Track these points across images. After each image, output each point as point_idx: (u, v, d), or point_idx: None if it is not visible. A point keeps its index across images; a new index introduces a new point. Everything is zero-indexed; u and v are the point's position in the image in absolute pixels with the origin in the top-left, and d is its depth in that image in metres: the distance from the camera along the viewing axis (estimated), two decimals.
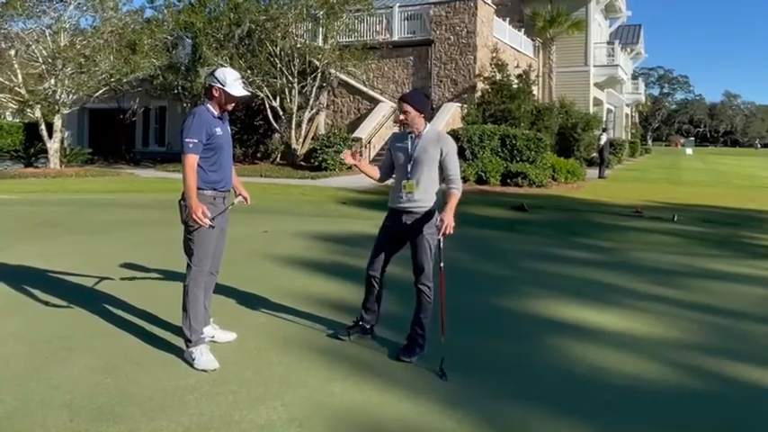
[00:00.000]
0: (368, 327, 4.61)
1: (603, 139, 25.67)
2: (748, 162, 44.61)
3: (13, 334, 4.59)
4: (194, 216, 3.93)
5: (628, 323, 5.23)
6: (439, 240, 4.14)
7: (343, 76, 23.96)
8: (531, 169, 18.17)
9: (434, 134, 4.38)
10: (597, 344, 4.71)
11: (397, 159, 4.46)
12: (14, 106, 21.91)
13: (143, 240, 8.57)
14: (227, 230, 4.47)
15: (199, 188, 4.04)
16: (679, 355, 4.52)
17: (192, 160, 4.01)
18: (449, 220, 4.04)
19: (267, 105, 22.56)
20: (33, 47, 19.98)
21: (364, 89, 24.41)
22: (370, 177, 4.66)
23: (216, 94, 4.15)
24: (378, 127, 22.65)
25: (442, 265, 4.18)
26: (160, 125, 29.29)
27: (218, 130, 4.16)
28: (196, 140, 4.02)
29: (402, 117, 4.38)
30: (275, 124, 23.07)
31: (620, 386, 3.93)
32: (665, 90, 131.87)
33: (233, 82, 4.13)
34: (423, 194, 4.30)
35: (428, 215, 4.29)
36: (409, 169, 4.33)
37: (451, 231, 4.06)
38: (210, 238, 4.17)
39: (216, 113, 4.19)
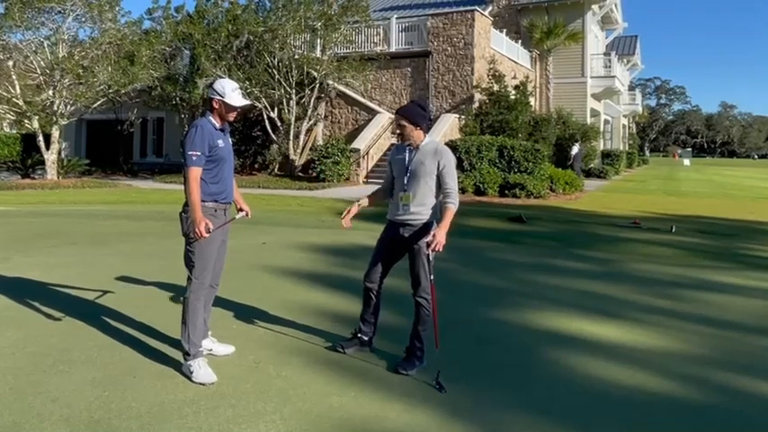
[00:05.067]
0: (366, 339, 4.60)
1: (575, 150, 25.80)
2: (746, 173, 44.74)
3: (12, 347, 4.57)
4: (198, 229, 3.92)
5: (627, 335, 5.22)
6: (428, 255, 4.15)
7: (341, 87, 24.06)
8: (529, 180, 18.20)
9: (433, 146, 4.37)
10: (597, 356, 4.70)
11: (395, 171, 4.47)
12: (12, 117, 21.95)
13: (142, 252, 8.55)
14: (227, 243, 4.46)
15: (200, 200, 4.04)
16: (679, 367, 4.51)
17: (195, 173, 4.02)
18: (440, 237, 4.05)
19: (265, 116, 22.63)
20: (31, 58, 20.04)
21: (362, 100, 24.48)
22: (380, 203, 4.68)
23: (216, 105, 4.17)
24: (376, 138, 22.70)
25: (431, 277, 4.19)
26: (158, 136, 29.33)
27: (220, 142, 4.17)
28: (199, 153, 4.03)
29: (398, 131, 4.41)
30: (273, 135, 23.12)
31: (621, 398, 3.92)
32: (663, 101, 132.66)
33: (231, 92, 4.15)
34: (419, 207, 4.30)
35: (425, 228, 4.29)
36: (405, 182, 4.33)
37: (441, 249, 4.07)
38: (211, 251, 4.16)
39: (217, 125, 4.20)
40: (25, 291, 6.14)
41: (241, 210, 4.50)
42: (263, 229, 10.55)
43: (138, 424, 3.41)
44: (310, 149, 23.44)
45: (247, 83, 21.29)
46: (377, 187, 4.82)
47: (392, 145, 5.09)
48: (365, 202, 4.64)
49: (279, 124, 22.91)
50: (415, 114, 4.35)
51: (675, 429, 3.56)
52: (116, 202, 15.60)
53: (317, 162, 21.08)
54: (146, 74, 21.63)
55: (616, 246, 10.15)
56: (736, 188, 26.78)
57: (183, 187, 4.11)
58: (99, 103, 21.73)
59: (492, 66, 24.14)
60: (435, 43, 25.05)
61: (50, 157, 20.52)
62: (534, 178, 18.52)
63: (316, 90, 22.58)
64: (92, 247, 8.90)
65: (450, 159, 4.31)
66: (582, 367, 4.45)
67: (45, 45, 20.17)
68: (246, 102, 4.26)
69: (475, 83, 24.19)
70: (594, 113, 34.82)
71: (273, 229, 10.84)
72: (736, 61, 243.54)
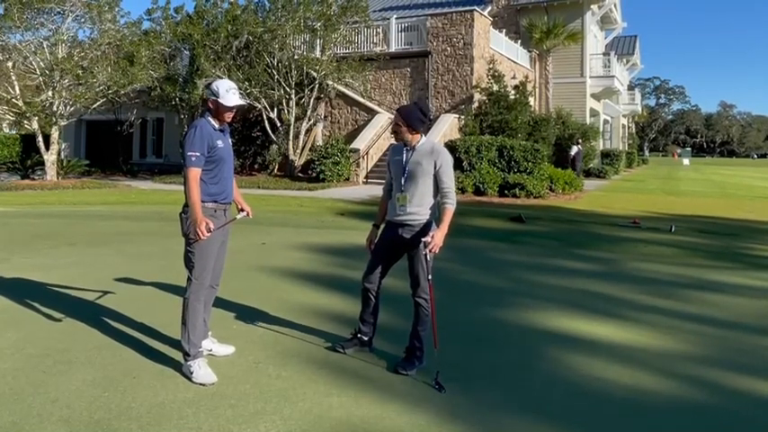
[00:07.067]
0: (366, 339, 4.60)
1: (574, 150, 25.97)
2: (745, 172, 44.75)
3: (12, 347, 4.57)
4: (198, 229, 3.91)
5: (627, 335, 5.22)
6: (426, 255, 4.15)
7: (341, 88, 24.06)
8: (528, 180, 18.21)
9: (429, 146, 4.36)
10: (597, 356, 4.70)
11: (393, 172, 4.47)
12: (11, 118, 21.95)
13: (142, 252, 8.55)
14: (227, 243, 4.46)
15: (200, 200, 4.04)
16: (679, 366, 4.51)
17: (194, 173, 4.01)
18: (437, 239, 4.06)
19: (265, 116, 22.65)
20: (31, 59, 20.03)
21: (362, 100, 24.49)
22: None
23: (212, 105, 4.18)
24: (375, 138, 22.71)
25: (430, 277, 4.20)
26: (157, 137, 29.34)
27: (220, 143, 4.17)
28: (198, 154, 4.03)
29: (395, 130, 4.42)
30: (273, 135, 23.13)
31: (620, 398, 3.92)
32: (662, 100, 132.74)
33: (225, 92, 4.14)
34: (417, 207, 4.29)
35: (424, 228, 4.29)
36: (403, 182, 4.33)
37: (437, 251, 4.08)
38: (211, 251, 4.16)
39: (217, 126, 4.20)
40: (25, 291, 6.14)
41: (242, 210, 4.50)
42: (263, 229, 10.55)
43: (138, 424, 3.42)
44: (310, 150, 23.45)
45: (247, 83, 21.30)
46: (381, 193, 4.81)
47: (391, 145, 5.08)
48: (380, 219, 4.68)
49: (278, 125, 22.91)
50: (414, 119, 4.33)
51: (675, 429, 3.56)
52: (116, 202, 15.60)
53: (317, 162, 21.08)
54: (145, 74, 21.63)
55: (616, 245, 10.15)
56: (736, 188, 26.78)
57: (182, 188, 4.11)
58: (98, 103, 21.74)
59: (491, 66, 24.16)
60: (435, 43, 25.06)
61: (50, 157, 20.53)
62: (534, 178, 18.52)
63: (315, 90, 22.59)
64: (91, 247, 8.90)
65: (446, 159, 4.31)
66: (581, 367, 4.45)
67: (44, 46, 20.18)
68: (241, 102, 4.23)
69: (474, 83, 24.20)
70: (594, 113, 34.84)
71: (273, 229, 10.84)
72: (735, 61, 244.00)
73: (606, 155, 34.12)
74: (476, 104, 23.97)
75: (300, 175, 22.77)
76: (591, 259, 8.87)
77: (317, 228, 11.41)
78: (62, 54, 20.14)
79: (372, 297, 4.51)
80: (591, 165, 30.15)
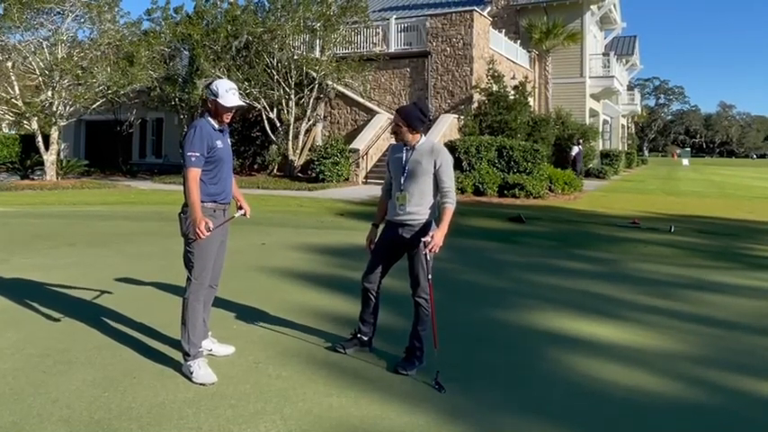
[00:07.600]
0: (366, 339, 4.60)
1: (575, 151, 26.00)
2: (744, 172, 44.77)
3: (12, 348, 4.57)
4: (198, 229, 3.91)
5: (627, 335, 5.22)
6: (425, 255, 4.15)
7: (341, 88, 24.06)
8: (528, 180, 18.21)
9: (429, 146, 4.37)
10: (596, 356, 4.70)
11: (393, 171, 4.48)
12: (11, 118, 21.95)
13: (141, 252, 8.55)
14: (226, 243, 4.46)
15: (200, 200, 4.04)
16: (679, 367, 4.52)
17: (194, 174, 4.02)
18: (437, 239, 4.07)
19: (264, 117, 22.64)
20: (30, 59, 20.03)
21: (361, 100, 24.49)
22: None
23: (211, 106, 4.18)
24: (375, 138, 22.70)
25: (430, 277, 4.20)
26: (157, 137, 29.34)
27: (219, 143, 4.17)
28: (198, 154, 4.03)
29: (394, 131, 4.44)
30: (272, 136, 23.13)
31: (620, 398, 3.93)
32: (661, 101, 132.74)
33: (225, 92, 4.13)
34: (416, 207, 4.29)
35: (424, 228, 4.29)
36: (402, 181, 4.33)
37: (437, 251, 4.08)
38: (210, 251, 4.16)
39: (216, 126, 4.20)
40: (25, 292, 6.14)
41: (240, 208, 4.49)
42: (263, 229, 10.55)
43: (139, 424, 3.42)
44: (309, 150, 23.44)
45: (246, 83, 21.30)
46: (380, 193, 4.81)
47: (391, 145, 5.09)
48: (379, 219, 4.69)
49: (278, 125, 22.91)
50: (414, 119, 4.33)
51: (675, 429, 3.56)
52: (115, 202, 15.60)
53: (317, 162, 21.07)
54: (145, 74, 21.62)
55: (615, 246, 10.15)
56: (735, 188, 26.78)
57: (182, 188, 4.11)
58: (98, 103, 21.73)
59: (491, 66, 24.14)
60: (434, 43, 25.07)
61: (49, 158, 20.52)
62: (533, 178, 18.52)
63: (315, 90, 22.59)
64: (91, 247, 8.90)
65: (446, 158, 4.31)
66: (581, 367, 4.45)
67: (44, 46, 20.17)
68: (239, 102, 4.22)
69: (474, 83, 24.19)
70: (593, 113, 34.85)
71: (273, 229, 10.84)
72: (734, 61, 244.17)
73: (606, 155, 34.09)
74: (475, 105, 23.97)
75: (300, 175, 22.77)
76: (590, 259, 8.87)
77: (317, 228, 11.41)
78: (62, 54, 20.13)
79: (372, 297, 4.51)
80: (590, 165, 30.16)
